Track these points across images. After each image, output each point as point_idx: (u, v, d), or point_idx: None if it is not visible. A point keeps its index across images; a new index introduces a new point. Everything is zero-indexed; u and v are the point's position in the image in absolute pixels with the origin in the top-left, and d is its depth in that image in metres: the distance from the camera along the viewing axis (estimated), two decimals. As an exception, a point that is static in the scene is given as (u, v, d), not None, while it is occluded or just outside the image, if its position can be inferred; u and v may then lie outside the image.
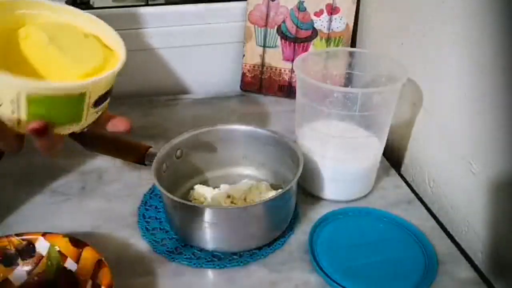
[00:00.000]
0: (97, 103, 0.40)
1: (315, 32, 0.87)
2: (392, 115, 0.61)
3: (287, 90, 0.91)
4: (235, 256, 0.54)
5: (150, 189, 0.66)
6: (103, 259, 0.48)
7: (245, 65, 0.92)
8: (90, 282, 0.47)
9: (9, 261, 0.50)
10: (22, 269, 0.50)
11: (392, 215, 0.60)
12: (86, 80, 0.38)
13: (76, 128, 0.41)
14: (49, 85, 0.36)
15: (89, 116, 0.40)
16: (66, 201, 0.64)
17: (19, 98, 0.35)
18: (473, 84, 0.54)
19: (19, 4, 0.41)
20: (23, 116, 0.36)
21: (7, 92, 0.34)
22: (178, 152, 0.62)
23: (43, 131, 0.36)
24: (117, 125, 0.45)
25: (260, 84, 0.93)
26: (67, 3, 0.90)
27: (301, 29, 0.87)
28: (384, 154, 0.67)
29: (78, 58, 0.40)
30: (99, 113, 0.42)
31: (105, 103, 0.42)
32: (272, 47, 0.90)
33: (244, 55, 0.91)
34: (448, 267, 0.53)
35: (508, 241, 0.51)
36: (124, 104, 0.87)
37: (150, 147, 0.59)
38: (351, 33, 0.86)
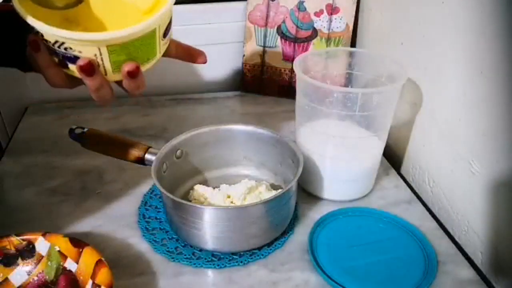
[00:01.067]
0: (165, 33, 0.42)
1: (315, 32, 0.87)
2: (392, 115, 0.61)
3: (287, 90, 0.91)
4: (235, 256, 0.54)
5: (150, 189, 0.66)
6: (103, 259, 0.48)
7: (245, 65, 0.92)
8: (90, 282, 0.47)
9: (9, 261, 0.50)
10: (22, 269, 0.50)
11: (392, 215, 0.60)
12: (153, 16, 0.39)
13: (154, 61, 0.44)
14: (124, 32, 0.38)
15: (162, 47, 0.43)
16: (66, 201, 0.64)
17: (102, 51, 0.38)
18: (473, 84, 0.54)
19: None
20: (108, 65, 0.39)
21: (89, 49, 0.38)
22: (178, 152, 0.62)
23: (136, 73, 0.40)
24: (194, 55, 0.50)
25: (260, 84, 0.93)
26: None
27: (301, 29, 0.87)
28: (384, 154, 0.67)
29: None
30: (167, 43, 0.45)
31: (171, 32, 0.44)
32: (272, 47, 0.90)
33: (244, 55, 0.91)
34: (448, 267, 0.53)
35: (508, 241, 0.51)
36: (124, 104, 0.87)
37: (150, 147, 0.59)
38: (351, 33, 0.86)
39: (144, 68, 0.42)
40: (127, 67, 0.40)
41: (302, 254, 0.55)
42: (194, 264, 0.53)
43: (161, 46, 0.43)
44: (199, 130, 0.63)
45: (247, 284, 0.51)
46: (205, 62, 0.51)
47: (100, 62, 0.39)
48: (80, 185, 0.67)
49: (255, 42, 0.90)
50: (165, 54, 0.46)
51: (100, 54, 0.38)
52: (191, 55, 0.51)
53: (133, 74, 0.40)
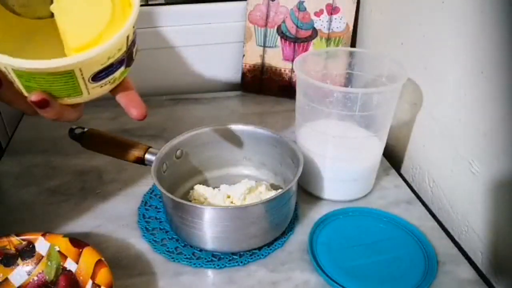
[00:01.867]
0: (96, 78, 0.38)
1: (315, 32, 0.87)
2: (392, 115, 0.61)
3: (287, 90, 0.91)
4: (235, 256, 0.54)
5: (150, 189, 0.66)
6: (103, 259, 0.48)
7: (245, 65, 0.92)
8: (90, 282, 0.47)
9: (9, 261, 0.50)
10: (22, 269, 0.50)
11: (392, 215, 0.60)
12: (65, 58, 0.35)
13: (81, 100, 0.40)
14: (23, 63, 0.35)
15: (93, 90, 0.39)
16: (66, 201, 0.64)
17: (9, 71, 0.36)
18: (473, 84, 0.54)
19: None
20: (20, 86, 0.37)
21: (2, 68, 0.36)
22: (178, 152, 0.62)
23: (42, 104, 0.37)
24: (131, 111, 0.44)
25: (260, 84, 0.93)
26: None
27: (301, 29, 0.87)
28: (384, 154, 0.67)
29: (79, 25, 0.38)
30: (111, 85, 0.41)
31: (113, 76, 0.40)
32: (272, 47, 0.90)
33: (244, 55, 0.91)
34: (448, 267, 0.53)
35: (508, 241, 0.51)
36: (124, 104, 0.87)
37: (150, 147, 0.59)
38: (351, 33, 0.86)
39: (65, 102, 0.39)
40: (32, 96, 0.37)
41: (302, 254, 0.55)
42: (194, 264, 0.53)
43: (90, 88, 0.39)
44: (199, 130, 0.63)
45: (247, 284, 0.51)
46: (140, 119, 0.44)
47: (13, 82, 0.37)
48: (80, 185, 0.67)
49: (255, 42, 0.90)
50: (114, 93, 0.43)
51: (8, 73, 0.36)
52: (130, 106, 0.45)
53: (40, 104, 0.37)
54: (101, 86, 0.40)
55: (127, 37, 0.39)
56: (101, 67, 0.38)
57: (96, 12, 0.39)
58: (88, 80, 0.38)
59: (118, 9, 0.40)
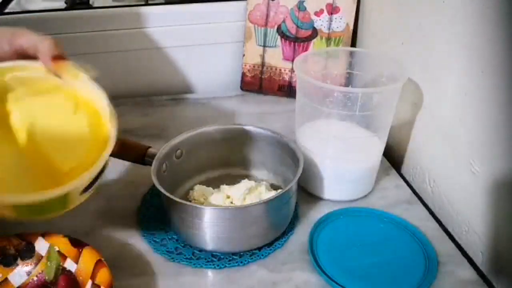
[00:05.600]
0: (85, 190, 0.40)
1: (315, 32, 0.87)
2: (392, 115, 0.61)
3: (287, 90, 0.91)
4: (235, 256, 0.54)
5: (150, 189, 0.66)
6: (102, 259, 0.48)
7: (245, 65, 0.92)
8: (89, 282, 0.47)
9: (9, 261, 0.50)
10: (22, 269, 0.50)
11: (392, 215, 0.60)
12: (56, 189, 0.36)
13: (67, 210, 0.40)
14: (17, 198, 0.36)
15: (79, 199, 0.40)
16: (66, 201, 0.64)
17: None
18: (473, 83, 0.54)
19: (12, 68, 0.41)
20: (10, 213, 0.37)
21: None
22: (178, 152, 0.62)
23: None
24: None
25: (260, 84, 0.92)
26: (66, 3, 0.90)
27: (301, 28, 0.87)
28: (384, 154, 0.67)
29: (64, 149, 0.39)
30: (92, 191, 0.42)
31: (96, 184, 0.41)
32: (272, 46, 0.89)
33: (244, 55, 0.91)
34: (448, 267, 0.53)
35: (509, 241, 0.51)
36: (124, 104, 0.87)
37: (150, 147, 0.59)
38: (351, 33, 0.86)
39: (49, 217, 0.40)
40: None
41: (302, 254, 0.55)
42: (194, 264, 0.53)
43: (79, 198, 0.40)
44: (199, 130, 0.63)
45: (247, 284, 0.51)
46: None
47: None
48: (80, 185, 0.67)
49: (255, 42, 0.90)
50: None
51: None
52: None
53: None
54: (89, 193, 0.41)
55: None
56: (88, 183, 0.39)
57: (75, 129, 0.40)
58: (78, 194, 0.39)
59: (93, 121, 0.41)
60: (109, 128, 0.41)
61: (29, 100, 0.41)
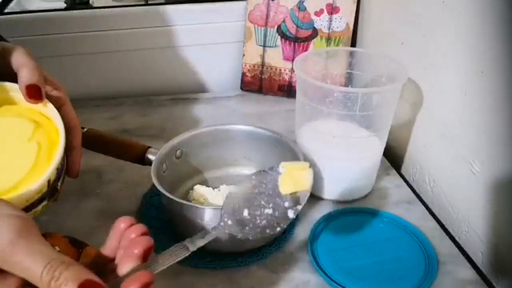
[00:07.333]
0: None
1: (315, 32, 0.87)
2: (392, 115, 0.61)
3: (287, 90, 0.91)
4: (235, 256, 0.54)
5: (150, 189, 0.66)
6: (103, 259, 0.47)
7: (245, 65, 0.92)
8: (90, 282, 0.47)
9: (9, 261, 0.49)
10: (22, 269, 0.50)
11: (392, 215, 0.60)
12: None
13: None
14: None
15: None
16: (66, 201, 0.64)
17: None
18: (473, 83, 0.54)
19: None
20: None
21: None
22: (178, 152, 0.61)
23: None
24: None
25: (260, 84, 0.92)
26: (66, 3, 0.90)
27: (301, 28, 0.87)
28: (384, 154, 0.67)
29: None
30: (33, 215, 0.41)
31: (35, 210, 0.40)
32: (272, 46, 0.89)
33: (244, 55, 0.91)
34: (448, 267, 0.53)
35: (509, 241, 0.51)
36: (124, 104, 0.87)
37: (150, 147, 0.59)
38: (351, 33, 0.86)
39: None
40: None
41: (302, 254, 0.55)
42: (194, 264, 0.53)
43: None
44: (199, 130, 0.63)
45: (247, 284, 0.51)
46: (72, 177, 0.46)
47: None
48: (79, 185, 0.67)
49: (255, 42, 0.90)
50: None
51: None
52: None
53: None
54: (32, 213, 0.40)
55: (48, 181, 0.39)
56: (21, 207, 0.38)
57: (19, 157, 0.39)
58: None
59: (43, 152, 0.40)
60: (55, 159, 0.40)
61: None
